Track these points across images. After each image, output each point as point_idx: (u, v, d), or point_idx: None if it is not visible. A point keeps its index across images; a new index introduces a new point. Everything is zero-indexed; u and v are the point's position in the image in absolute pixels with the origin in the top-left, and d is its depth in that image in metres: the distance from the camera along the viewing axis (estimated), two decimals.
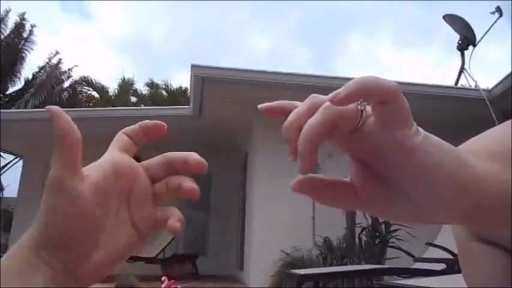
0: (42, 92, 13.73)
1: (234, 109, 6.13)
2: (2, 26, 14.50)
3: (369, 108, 0.28)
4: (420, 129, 0.28)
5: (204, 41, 46.00)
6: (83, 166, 0.33)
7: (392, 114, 0.27)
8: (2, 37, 14.47)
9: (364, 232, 4.85)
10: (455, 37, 6.25)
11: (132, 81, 16.92)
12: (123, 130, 0.37)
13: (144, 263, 6.45)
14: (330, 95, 0.27)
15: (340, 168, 0.55)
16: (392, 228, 4.76)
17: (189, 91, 8.35)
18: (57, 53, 15.33)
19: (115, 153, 0.35)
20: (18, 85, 14.93)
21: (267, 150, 5.52)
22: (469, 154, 0.30)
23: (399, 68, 51.27)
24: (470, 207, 0.29)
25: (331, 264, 4.80)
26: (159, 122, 0.38)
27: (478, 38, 6.10)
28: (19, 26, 14.77)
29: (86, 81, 16.08)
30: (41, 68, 15.06)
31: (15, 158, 11.25)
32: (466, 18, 6.14)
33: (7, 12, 14.57)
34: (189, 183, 0.36)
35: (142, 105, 15.19)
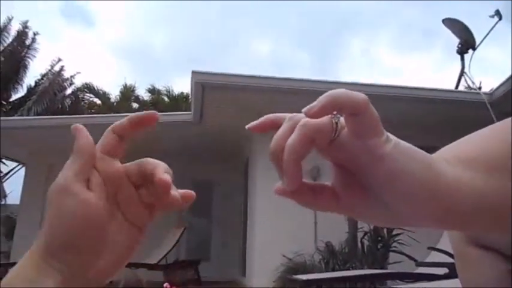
0: (44, 99, 13.78)
1: (235, 115, 6.15)
2: (5, 34, 14.60)
3: (342, 119, 0.30)
4: (391, 136, 0.30)
5: (205, 47, 46.19)
6: None
7: (363, 124, 0.29)
8: (5, 45, 14.57)
9: (366, 237, 4.84)
10: (455, 41, 6.27)
11: (134, 87, 16.98)
12: (112, 127, 0.37)
13: (146, 270, 6.43)
14: (304, 109, 0.29)
15: None
16: (394, 232, 4.75)
17: (190, 97, 8.38)
18: (59, 60, 15.43)
19: (101, 159, 0.36)
20: (21, 92, 15.01)
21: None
22: (441, 161, 0.31)
23: (400, 71, 51.32)
24: (442, 212, 0.30)
25: (333, 269, 4.78)
26: (149, 112, 0.38)
27: (477, 41, 6.11)
28: (22, 34, 14.87)
29: (88, 88, 16.15)
30: (44, 75, 15.14)
31: (18, 165, 11.29)
32: (466, 22, 6.16)
33: (10, 20, 14.68)
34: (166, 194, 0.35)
35: (144, 111, 15.21)
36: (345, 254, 4.96)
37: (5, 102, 14.58)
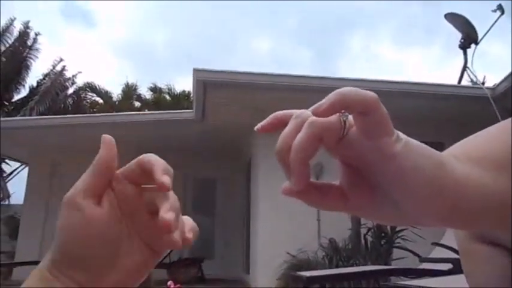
0: (46, 99, 13.81)
1: (237, 112, 6.14)
2: (7, 34, 14.62)
3: (351, 117, 0.30)
4: (402, 135, 0.29)
5: (206, 44, 46.13)
6: None
7: (373, 124, 0.28)
8: (7, 45, 14.59)
9: (369, 233, 4.83)
10: (457, 36, 6.23)
11: (136, 86, 17.00)
12: (141, 162, 0.34)
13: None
14: (312, 108, 0.29)
15: None
16: (397, 228, 4.74)
17: (192, 95, 8.38)
18: (61, 60, 15.44)
19: (117, 183, 0.35)
20: (23, 93, 15.05)
21: (271, 153, 5.47)
22: (451, 158, 0.31)
23: (400, 68, 51.14)
24: (448, 209, 0.30)
25: (337, 266, 4.78)
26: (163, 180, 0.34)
27: (480, 36, 6.07)
28: (23, 35, 14.88)
29: (90, 87, 16.17)
30: (46, 75, 15.16)
31: (21, 165, 11.33)
32: (468, 17, 6.12)
33: (12, 21, 14.70)
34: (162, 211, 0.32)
35: (146, 109, 15.23)
36: (349, 250, 4.96)
37: (7, 103, 14.62)
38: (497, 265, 0.47)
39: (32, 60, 15.00)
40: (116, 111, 12.32)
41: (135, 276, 0.35)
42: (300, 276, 3.07)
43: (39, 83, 14.95)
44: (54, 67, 15.25)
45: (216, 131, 7.13)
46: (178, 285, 3.80)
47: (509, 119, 0.37)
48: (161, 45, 48.39)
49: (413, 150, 0.29)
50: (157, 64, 41.85)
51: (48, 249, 0.33)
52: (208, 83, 5.59)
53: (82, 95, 16.12)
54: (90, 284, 0.32)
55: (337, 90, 0.28)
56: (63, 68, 15.35)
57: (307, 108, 0.31)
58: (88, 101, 16.42)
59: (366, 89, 0.29)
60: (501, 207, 0.31)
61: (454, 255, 3.07)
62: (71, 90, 15.80)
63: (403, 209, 0.30)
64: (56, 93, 14.55)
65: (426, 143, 0.30)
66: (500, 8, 5.66)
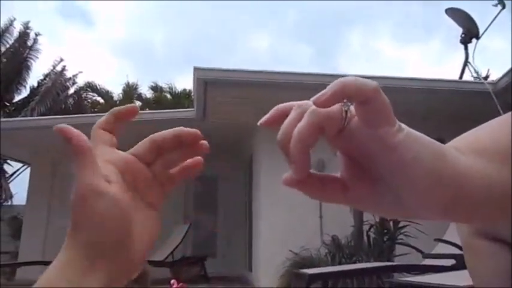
0: (47, 99, 13.83)
1: (237, 110, 6.14)
2: (7, 35, 14.63)
3: (352, 108, 0.29)
4: (403, 125, 0.29)
5: (206, 43, 46.09)
6: None
7: (374, 113, 0.28)
8: (7, 46, 14.60)
9: (372, 229, 4.83)
10: (458, 31, 6.21)
11: (136, 85, 17.00)
12: (98, 125, 0.38)
13: (152, 267, 6.47)
14: (313, 98, 0.28)
15: None
16: (400, 224, 4.74)
17: (193, 93, 8.37)
18: (61, 60, 15.45)
19: (107, 152, 0.36)
20: (24, 93, 15.07)
21: (272, 150, 5.49)
22: (452, 149, 0.31)
23: (401, 63, 51.00)
24: (449, 200, 0.29)
25: (339, 263, 4.78)
26: (130, 106, 0.38)
27: (481, 30, 6.05)
28: (23, 35, 14.88)
29: (91, 87, 16.18)
30: (46, 76, 15.17)
31: (23, 166, 11.37)
32: (469, 12, 6.10)
33: (11, 21, 14.70)
34: (190, 158, 0.37)
35: (147, 109, 15.25)
36: (351, 247, 4.96)
37: (8, 104, 14.65)
38: (501, 260, 0.47)
39: (32, 61, 15.04)
40: None
41: (151, 239, 0.35)
42: (303, 274, 3.07)
43: (39, 84, 14.97)
44: (54, 67, 15.28)
45: (217, 129, 7.13)
46: (181, 284, 3.79)
47: (510, 112, 0.37)
48: (161, 44, 48.41)
49: (415, 141, 0.29)
50: (158, 63, 41.89)
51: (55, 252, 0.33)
52: (208, 81, 5.59)
53: (83, 95, 16.14)
54: (122, 263, 0.32)
55: (338, 80, 0.28)
56: (64, 68, 15.38)
57: None
58: (89, 101, 16.44)
59: None
60: (504, 198, 0.31)
61: (457, 251, 3.06)
62: (71, 90, 15.83)
63: (404, 201, 0.30)
64: (57, 93, 14.57)
65: None
66: (501, 2, 5.64)
